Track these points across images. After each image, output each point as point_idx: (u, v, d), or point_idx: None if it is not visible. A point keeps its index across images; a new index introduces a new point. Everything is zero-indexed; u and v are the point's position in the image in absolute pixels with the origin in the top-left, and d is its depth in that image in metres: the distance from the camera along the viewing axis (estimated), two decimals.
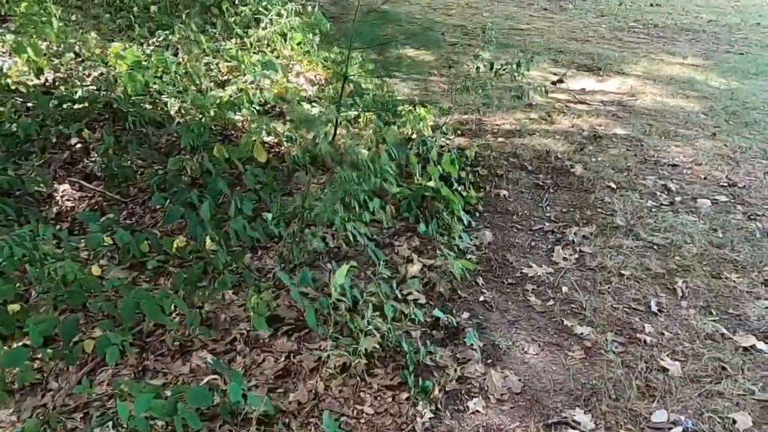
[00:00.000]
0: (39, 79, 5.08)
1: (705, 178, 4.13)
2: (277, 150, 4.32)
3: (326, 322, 2.59)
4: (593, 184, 4.02)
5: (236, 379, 2.17)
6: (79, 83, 4.79)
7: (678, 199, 3.80)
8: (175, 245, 3.12)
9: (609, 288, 2.97)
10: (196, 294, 2.72)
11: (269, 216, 2.89)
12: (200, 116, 4.35)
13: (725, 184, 4.04)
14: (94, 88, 4.76)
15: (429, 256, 3.19)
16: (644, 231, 3.42)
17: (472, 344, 2.55)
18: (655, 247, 3.29)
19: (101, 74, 5.15)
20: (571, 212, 3.69)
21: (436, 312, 2.66)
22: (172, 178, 3.65)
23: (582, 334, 2.66)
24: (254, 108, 4.71)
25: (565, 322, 2.74)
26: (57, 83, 5.02)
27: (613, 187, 3.96)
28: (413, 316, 2.63)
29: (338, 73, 4.77)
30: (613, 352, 2.56)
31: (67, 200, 3.71)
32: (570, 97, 5.81)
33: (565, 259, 3.20)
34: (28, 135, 4.07)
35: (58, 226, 3.33)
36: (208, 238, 3.03)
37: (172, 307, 2.57)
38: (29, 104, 4.50)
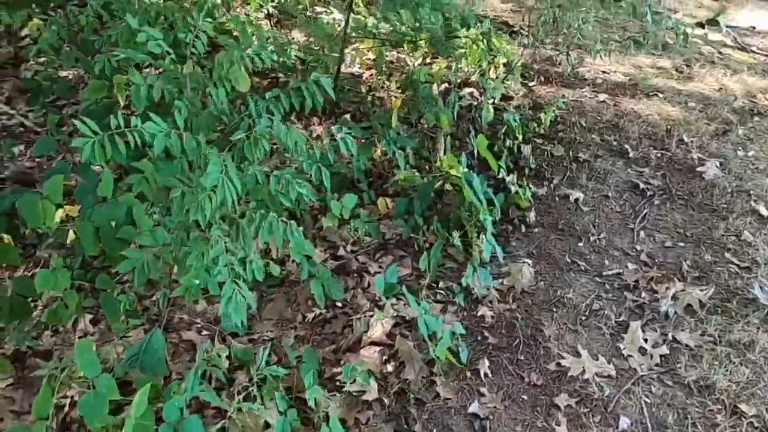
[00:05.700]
0: None
1: None
2: (275, 76, 3.12)
3: None
4: (730, 200, 2.50)
5: None
6: None
7: None
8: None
9: None
10: None
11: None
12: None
13: None
14: None
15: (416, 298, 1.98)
16: None
17: None
18: None
19: None
20: (680, 250, 2.26)
21: None
22: (103, 107, 2.58)
23: None
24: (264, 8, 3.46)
25: None
26: None
27: (762, 214, 2.43)
28: None
29: None
30: None
31: None
32: (728, 38, 4.00)
33: (642, 351, 1.86)
34: None
35: None
36: None
37: None
38: None
